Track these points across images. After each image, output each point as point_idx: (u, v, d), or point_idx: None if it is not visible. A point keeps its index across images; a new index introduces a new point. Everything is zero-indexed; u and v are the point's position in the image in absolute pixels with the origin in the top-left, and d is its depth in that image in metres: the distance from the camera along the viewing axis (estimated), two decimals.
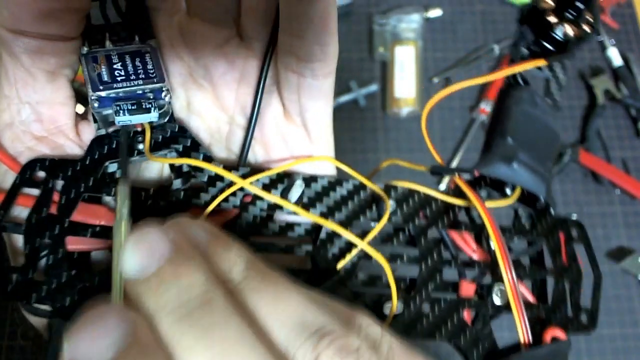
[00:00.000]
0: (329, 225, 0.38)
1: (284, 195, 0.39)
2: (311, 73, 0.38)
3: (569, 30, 0.42)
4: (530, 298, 0.42)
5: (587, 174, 1.08)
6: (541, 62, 0.44)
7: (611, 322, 0.99)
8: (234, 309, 0.29)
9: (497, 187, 0.42)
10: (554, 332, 0.39)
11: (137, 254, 0.30)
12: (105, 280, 0.35)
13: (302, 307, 0.30)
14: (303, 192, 0.40)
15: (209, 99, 0.41)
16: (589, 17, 0.43)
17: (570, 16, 0.42)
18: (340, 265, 0.38)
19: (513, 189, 0.42)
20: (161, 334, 0.28)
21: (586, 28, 0.42)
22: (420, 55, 1.14)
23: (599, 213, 1.06)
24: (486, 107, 1.09)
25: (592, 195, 1.07)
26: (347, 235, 0.38)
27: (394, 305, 0.38)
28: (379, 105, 1.12)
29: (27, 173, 0.36)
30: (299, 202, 0.39)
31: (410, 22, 1.14)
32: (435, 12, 1.17)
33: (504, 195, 0.42)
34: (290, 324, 0.29)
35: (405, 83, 1.10)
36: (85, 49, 0.38)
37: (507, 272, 0.38)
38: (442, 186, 1.01)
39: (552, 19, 0.42)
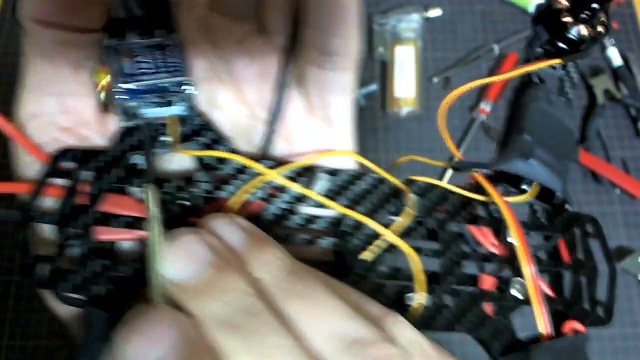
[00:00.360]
0: (356, 216, 0.38)
1: (309, 187, 0.40)
2: (332, 66, 0.38)
3: (584, 30, 0.43)
4: (549, 292, 0.42)
5: (587, 174, 1.08)
6: (557, 62, 0.44)
7: (611, 322, 0.99)
8: (276, 316, 0.30)
9: (514, 183, 0.43)
10: (573, 325, 0.39)
11: (177, 259, 0.32)
12: (138, 272, 0.35)
13: (338, 315, 0.31)
14: (327, 186, 0.40)
15: (231, 94, 0.41)
16: (603, 18, 0.43)
17: (585, 17, 0.42)
18: (365, 255, 0.39)
19: (529, 185, 0.42)
20: (207, 340, 0.29)
21: (600, 29, 0.43)
22: (420, 55, 1.14)
23: (599, 213, 1.06)
24: (486, 107, 1.09)
25: (592, 195, 1.08)
26: (375, 225, 0.38)
27: (421, 297, 0.38)
28: (378, 105, 1.12)
29: (57, 162, 0.36)
30: (324, 193, 0.40)
31: (410, 22, 1.14)
32: (435, 12, 1.17)
33: (520, 191, 0.43)
34: (329, 334, 0.30)
35: (405, 83, 1.10)
36: (107, 42, 0.38)
37: (528, 265, 0.38)
38: (445, 179, 1.01)
39: (567, 19, 0.43)
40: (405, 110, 1.09)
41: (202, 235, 0.33)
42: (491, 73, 1.14)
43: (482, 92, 1.12)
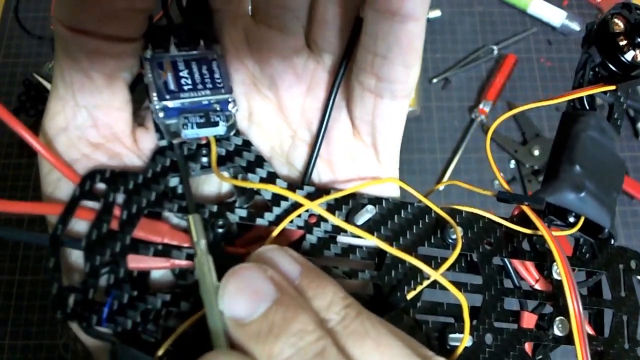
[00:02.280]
0: (397, 253, 0.36)
1: (350, 216, 0.38)
2: (390, 94, 0.36)
3: (639, 55, 0.41)
4: (589, 329, 0.41)
5: None
6: (610, 87, 0.43)
7: None
8: (344, 358, 0.28)
9: (560, 215, 0.41)
10: None
11: (241, 296, 0.29)
12: (169, 302, 0.34)
13: (402, 357, 0.30)
14: (369, 216, 0.38)
15: (273, 111, 0.39)
16: None
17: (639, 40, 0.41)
18: (411, 296, 0.37)
19: (576, 217, 0.41)
20: None
21: None
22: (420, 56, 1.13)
23: None
24: (485, 107, 1.09)
25: None
26: (421, 265, 0.36)
27: (465, 339, 0.37)
28: None
29: (86, 185, 0.33)
30: (365, 225, 0.38)
31: None
32: (434, 13, 1.17)
33: (567, 223, 0.41)
34: None
35: None
36: (149, 53, 0.36)
37: (574, 305, 0.37)
38: (441, 187, 1.01)
39: (623, 42, 0.41)
40: None
41: (265, 269, 0.30)
42: (490, 74, 1.14)
43: (481, 93, 1.12)
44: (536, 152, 1.07)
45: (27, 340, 0.91)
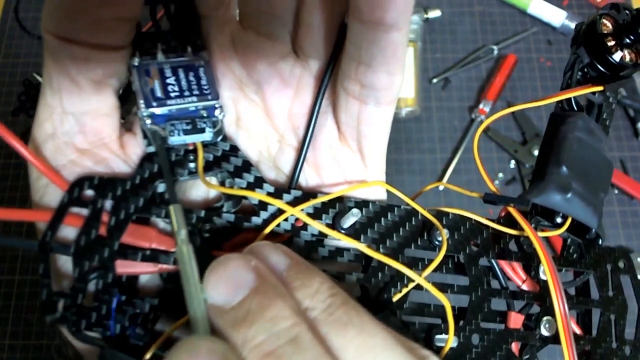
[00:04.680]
0: (382, 258, 0.36)
1: (336, 220, 0.38)
2: (375, 101, 0.36)
3: (628, 55, 0.41)
4: (577, 329, 0.41)
5: None
6: (598, 88, 0.43)
7: None
8: (321, 346, 0.28)
9: (547, 216, 0.41)
10: None
11: (221, 283, 0.30)
12: (157, 307, 0.34)
13: (388, 347, 0.30)
14: (355, 219, 0.38)
15: (260, 116, 0.39)
16: None
17: (628, 41, 0.41)
18: (396, 298, 0.37)
19: (563, 217, 0.41)
20: None
21: None
22: (420, 56, 1.13)
23: None
24: (485, 107, 1.09)
25: None
26: (404, 269, 0.36)
27: (450, 340, 0.37)
28: None
29: (75, 191, 0.34)
30: (351, 228, 0.38)
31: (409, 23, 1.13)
32: (434, 13, 1.17)
33: (554, 224, 0.41)
34: None
35: (404, 84, 1.09)
36: (136, 60, 0.36)
37: (559, 305, 0.37)
38: (440, 187, 1.02)
39: (611, 42, 0.41)
40: (404, 110, 1.08)
41: (247, 258, 0.31)
42: (490, 74, 1.13)
43: (481, 93, 1.12)
44: (536, 152, 1.06)
45: (27, 340, 0.92)
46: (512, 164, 1.08)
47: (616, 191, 1.08)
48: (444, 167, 1.07)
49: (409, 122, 1.10)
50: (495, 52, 1.15)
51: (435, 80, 1.13)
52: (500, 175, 1.07)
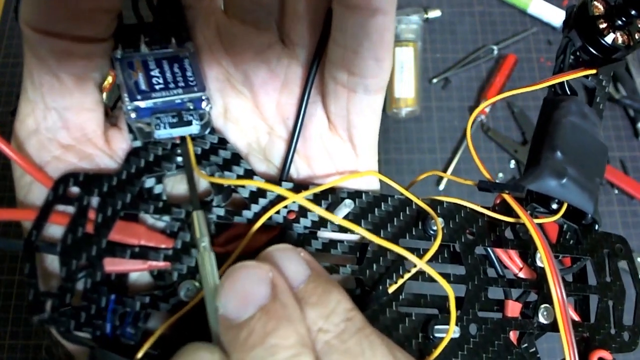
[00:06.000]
0: (382, 242, 0.35)
1: (329, 211, 0.37)
2: (364, 89, 0.36)
3: (620, 37, 0.41)
4: (575, 316, 0.41)
5: None
6: (591, 71, 0.42)
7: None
8: None
9: (543, 202, 0.41)
10: (601, 354, 0.39)
11: (234, 295, 0.29)
12: (148, 305, 0.33)
13: None
14: (349, 210, 0.38)
15: (248, 107, 0.38)
16: (639, 25, 0.41)
17: (620, 23, 0.40)
18: (393, 289, 0.37)
19: (559, 203, 0.40)
20: None
21: (638, 36, 0.41)
22: (420, 56, 1.13)
23: None
24: (485, 107, 1.09)
25: None
26: (406, 254, 0.36)
27: (451, 330, 0.36)
28: None
29: (59, 189, 0.33)
30: (345, 219, 0.37)
31: (409, 23, 1.13)
32: (434, 13, 1.17)
33: (549, 210, 0.40)
34: None
35: (404, 83, 1.09)
36: (119, 53, 0.35)
37: (557, 292, 0.36)
38: (441, 186, 1.03)
39: (603, 25, 0.41)
40: (404, 110, 1.08)
41: (267, 270, 0.30)
42: (490, 74, 1.13)
43: (481, 93, 1.12)
44: None
45: (27, 340, 0.91)
46: (512, 164, 1.08)
47: (616, 191, 1.08)
48: (444, 167, 1.07)
49: (409, 122, 1.10)
50: (495, 52, 1.15)
51: (435, 80, 1.13)
52: (500, 175, 1.06)
